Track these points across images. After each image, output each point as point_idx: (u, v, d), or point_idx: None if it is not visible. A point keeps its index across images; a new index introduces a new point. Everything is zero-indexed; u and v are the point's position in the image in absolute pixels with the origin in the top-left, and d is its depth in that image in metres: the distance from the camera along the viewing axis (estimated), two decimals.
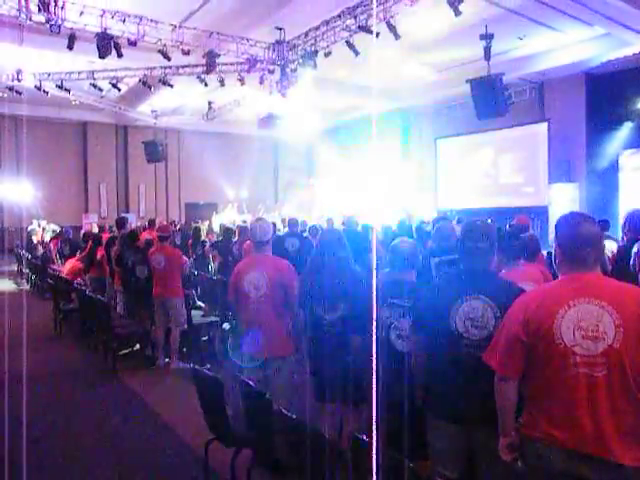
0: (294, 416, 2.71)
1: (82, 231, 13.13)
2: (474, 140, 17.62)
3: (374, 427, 2.48)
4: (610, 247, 5.65)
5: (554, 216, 13.80)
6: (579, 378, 1.98)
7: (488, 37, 10.78)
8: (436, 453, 2.62)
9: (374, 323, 2.87)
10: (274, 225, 6.13)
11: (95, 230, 12.85)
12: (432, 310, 2.60)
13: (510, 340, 2.13)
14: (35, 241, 14.95)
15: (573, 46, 12.51)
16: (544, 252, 5.25)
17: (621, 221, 5.27)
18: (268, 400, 2.97)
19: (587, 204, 13.97)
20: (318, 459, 2.47)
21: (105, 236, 9.38)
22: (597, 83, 14.16)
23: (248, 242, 8.38)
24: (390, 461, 2.16)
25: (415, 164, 20.25)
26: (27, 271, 13.26)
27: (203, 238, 11.29)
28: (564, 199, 14.35)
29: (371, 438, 2.36)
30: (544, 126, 15.45)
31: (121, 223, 8.57)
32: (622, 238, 5.24)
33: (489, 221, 3.50)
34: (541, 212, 14.40)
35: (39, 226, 16.09)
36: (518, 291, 2.49)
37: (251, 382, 3.23)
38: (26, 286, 12.92)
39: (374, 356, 2.72)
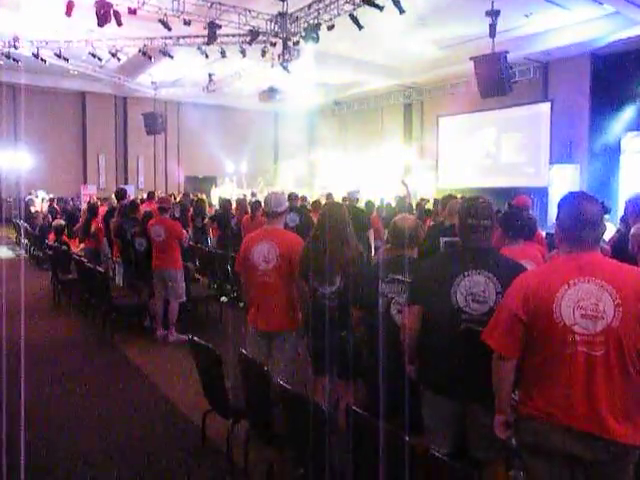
0: (291, 389, 2.74)
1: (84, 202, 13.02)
2: (476, 119, 17.47)
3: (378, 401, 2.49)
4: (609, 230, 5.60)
5: (554, 197, 13.80)
6: (577, 357, 1.99)
7: (494, 13, 10.62)
8: (431, 428, 2.65)
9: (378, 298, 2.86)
10: None
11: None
12: (431, 284, 2.60)
13: (509, 319, 2.13)
14: (33, 211, 14.88)
15: (579, 25, 12.33)
16: (543, 232, 5.26)
17: (620, 203, 5.24)
18: (266, 372, 2.99)
19: (587, 185, 13.94)
20: (314, 432, 2.50)
21: (102, 209, 9.34)
22: (602, 64, 13.99)
23: (246, 216, 8.38)
24: (387, 435, 2.18)
25: (416, 141, 20.15)
26: (25, 241, 13.23)
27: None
28: (564, 180, 14.32)
29: (369, 412, 2.38)
30: (547, 106, 15.32)
31: (120, 195, 8.52)
32: (624, 222, 5.19)
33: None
34: (541, 193, 14.38)
35: (37, 196, 16.01)
36: (520, 268, 2.49)
37: (253, 355, 3.25)
38: (24, 256, 12.91)
39: (375, 330, 2.71)
